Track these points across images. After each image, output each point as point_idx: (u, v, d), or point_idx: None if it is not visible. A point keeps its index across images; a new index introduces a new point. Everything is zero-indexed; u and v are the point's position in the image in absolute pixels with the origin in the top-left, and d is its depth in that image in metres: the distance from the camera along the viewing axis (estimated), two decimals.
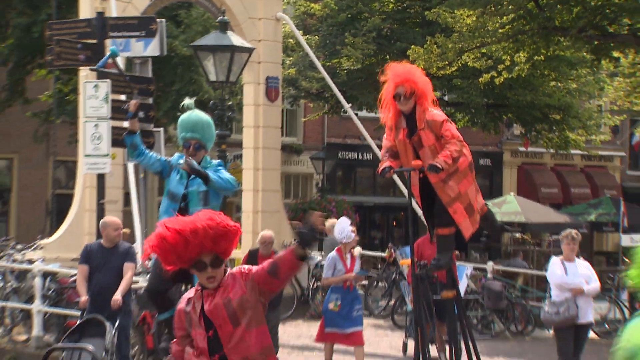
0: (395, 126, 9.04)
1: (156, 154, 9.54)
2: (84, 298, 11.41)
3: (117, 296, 11.15)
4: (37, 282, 16.12)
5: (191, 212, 8.92)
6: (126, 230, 16.15)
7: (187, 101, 9.82)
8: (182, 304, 5.97)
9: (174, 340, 5.97)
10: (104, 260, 11.38)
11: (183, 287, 9.34)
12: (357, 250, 13.18)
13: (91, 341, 10.85)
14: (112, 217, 12.10)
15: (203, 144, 9.19)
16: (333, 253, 13.12)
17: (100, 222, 12.00)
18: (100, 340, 10.86)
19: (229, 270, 5.89)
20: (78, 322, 11.40)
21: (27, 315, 16.46)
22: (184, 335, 5.93)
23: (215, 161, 9.50)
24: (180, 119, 9.37)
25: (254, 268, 5.82)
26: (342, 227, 13.03)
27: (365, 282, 21.96)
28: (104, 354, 10.83)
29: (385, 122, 9.16)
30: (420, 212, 10.13)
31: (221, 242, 5.73)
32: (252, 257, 12.91)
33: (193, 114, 9.30)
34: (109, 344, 10.88)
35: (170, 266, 5.77)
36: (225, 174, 9.27)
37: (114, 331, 11.07)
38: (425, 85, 8.93)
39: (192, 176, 9.06)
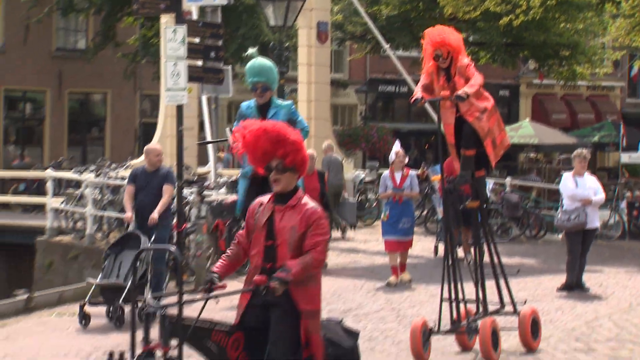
0: (436, 74, 9.08)
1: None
2: (128, 214, 11.31)
3: (154, 215, 11.04)
4: None
5: None
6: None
7: (251, 50, 9.60)
8: (256, 203, 5.83)
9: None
10: (146, 182, 11.23)
11: None
12: (410, 171, 13.08)
13: (131, 252, 10.67)
14: (155, 145, 11.81)
15: (268, 85, 9.02)
16: (386, 172, 13.14)
17: (144, 148, 11.79)
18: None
19: (305, 197, 5.73)
20: (120, 235, 11.30)
21: (120, 223, 16.63)
22: (250, 231, 5.76)
23: (286, 102, 9.18)
24: (247, 66, 9.15)
25: (317, 221, 5.60)
26: (392, 151, 13.04)
27: None
28: (138, 263, 10.49)
29: (427, 72, 9.19)
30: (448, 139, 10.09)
31: (280, 148, 5.61)
32: None
33: (257, 61, 9.10)
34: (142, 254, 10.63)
35: (257, 166, 5.80)
36: (303, 121, 9.10)
37: (149, 243, 10.83)
38: (458, 42, 8.90)
39: (271, 115, 8.86)
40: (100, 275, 10.98)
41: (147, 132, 25.87)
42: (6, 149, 29.52)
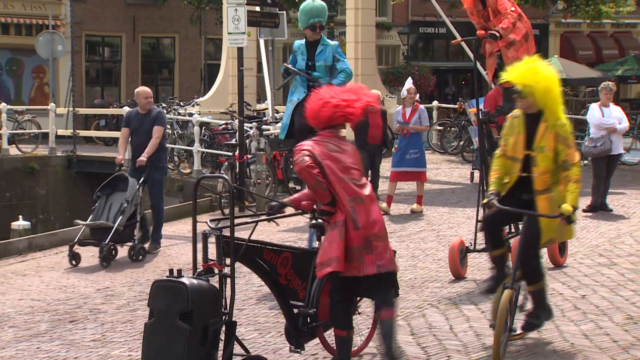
0: (474, 6, 8.95)
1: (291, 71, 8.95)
2: (119, 156, 10.52)
3: (142, 157, 10.21)
4: (196, 130, 16.30)
5: (320, 83, 8.72)
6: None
7: None
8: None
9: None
10: (139, 124, 10.38)
11: None
12: (420, 106, 12.78)
13: (121, 194, 10.13)
14: (144, 87, 10.79)
15: (323, 24, 8.93)
16: (398, 108, 12.81)
17: (135, 91, 10.94)
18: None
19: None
20: (110, 177, 10.51)
21: (189, 155, 16.72)
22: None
23: (334, 42, 8.98)
24: (305, 7, 8.95)
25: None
26: (404, 88, 12.68)
27: (440, 128, 21.68)
28: (124, 204, 10.00)
29: (468, 10, 9.04)
30: (485, 74, 9.93)
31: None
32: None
33: (315, 3, 8.93)
34: (130, 195, 10.05)
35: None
36: (346, 62, 8.95)
37: (137, 185, 10.15)
38: None
39: (318, 51, 8.78)
40: (90, 217, 10.27)
41: (212, 72, 25.81)
42: (88, 88, 29.75)
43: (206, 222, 5.40)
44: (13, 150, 20.24)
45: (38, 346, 6.70)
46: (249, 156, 13.96)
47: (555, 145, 5.91)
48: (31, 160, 20.44)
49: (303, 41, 8.91)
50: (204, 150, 16.23)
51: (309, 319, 5.61)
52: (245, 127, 14.07)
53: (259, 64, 19.82)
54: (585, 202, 12.17)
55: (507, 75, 6.04)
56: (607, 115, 11.85)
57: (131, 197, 10.08)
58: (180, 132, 17.42)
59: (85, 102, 28.22)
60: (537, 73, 5.94)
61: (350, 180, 5.49)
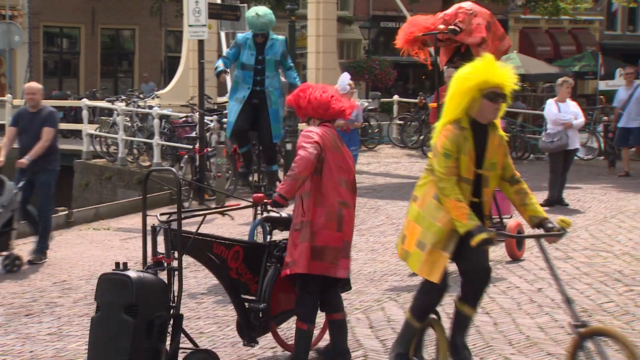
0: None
1: (225, 60, 8.94)
2: (1, 158, 9.52)
3: (22, 159, 9.35)
4: (156, 122, 16.17)
5: (267, 76, 8.69)
6: None
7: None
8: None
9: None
10: (29, 123, 9.49)
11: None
12: (356, 99, 12.91)
13: None
14: (32, 83, 10.04)
15: (267, 34, 8.87)
16: None
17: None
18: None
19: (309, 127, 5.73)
20: None
21: (149, 147, 16.60)
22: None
23: (281, 37, 9.05)
24: (248, 19, 8.88)
25: (300, 138, 5.56)
26: (342, 80, 12.26)
27: (401, 122, 21.77)
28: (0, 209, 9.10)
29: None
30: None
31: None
32: None
33: (259, 19, 8.82)
34: (5, 201, 9.11)
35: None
36: (290, 59, 8.96)
37: (15, 190, 9.23)
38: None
39: (267, 46, 8.76)
40: None
41: (172, 65, 25.64)
42: (46, 80, 29.36)
43: (156, 216, 5.35)
44: None
45: None
46: (209, 149, 13.90)
47: (504, 159, 5.14)
48: None
49: (249, 35, 8.84)
50: (163, 143, 16.12)
51: (261, 313, 5.62)
52: (205, 120, 13.99)
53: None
54: (543, 196, 12.32)
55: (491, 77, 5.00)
56: (563, 111, 11.99)
57: (7, 203, 9.14)
58: (140, 124, 17.28)
59: (44, 93, 27.86)
60: (508, 73, 5.06)
61: (342, 182, 5.51)
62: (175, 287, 5.26)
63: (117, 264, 5.19)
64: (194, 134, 14.34)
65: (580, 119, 12.12)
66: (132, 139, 16.98)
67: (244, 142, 9.16)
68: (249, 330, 5.63)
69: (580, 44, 38.86)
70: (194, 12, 13.36)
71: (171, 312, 5.23)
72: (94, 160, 17.75)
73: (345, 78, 12.39)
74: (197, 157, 13.51)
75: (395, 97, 23.17)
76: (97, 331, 5.07)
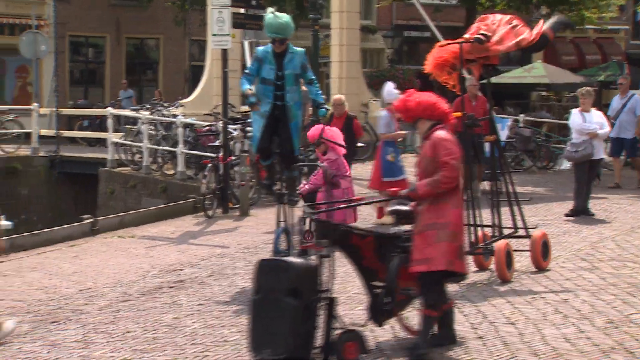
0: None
1: (248, 77, 8.73)
2: None
3: None
4: (180, 131, 16.27)
5: (288, 91, 8.63)
6: None
7: (270, 10, 9.20)
8: None
9: None
10: None
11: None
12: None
13: None
14: None
15: (286, 39, 8.79)
16: (385, 112, 11.66)
17: None
18: None
19: (438, 130, 6.16)
20: None
21: (173, 156, 16.69)
22: None
23: (300, 49, 8.82)
24: (265, 22, 8.84)
25: (439, 144, 6.01)
26: (389, 90, 11.67)
27: None
28: None
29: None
30: (469, 78, 10.00)
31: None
32: (330, 117, 12.28)
33: (275, 19, 8.76)
34: None
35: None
36: (315, 85, 8.88)
37: None
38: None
39: (287, 60, 8.63)
40: None
41: (196, 74, 25.76)
42: (72, 88, 29.61)
43: (303, 208, 5.85)
44: None
45: (19, 347, 6.66)
46: (233, 158, 13.95)
47: None
48: (13, 160, 20.32)
49: (269, 48, 8.70)
50: (187, 151, 16.20)
51: (386, 299, 6.01)
52: (229, 129, 14.05)
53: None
54: (568, 206, 12.24)
55: None
56: (588, 120, 11.90)
57: None
58: (164, 133, 17.37)
59: (69, 102, 28.09)
60: None
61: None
62: (326, 272, 5.68)
63: (276, 251, 6.00)
64: (217, 143, 14.39)
65: (605, 129, 12.03)
66: (157, 147, 17.08)
67: (267, 155, 9.14)
68: (377, 314, 6.05)
69: (605, 53, 38.64)
70: (218, 21, 13.44)
71: (324, 295, 5.66)
72: (119, 168, 17.87)
73: (391, 87, 11.77)
74: (221, 165, 13.57)
75: None
76: (258, 313, 5.51)
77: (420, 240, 5.95)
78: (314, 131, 10.84)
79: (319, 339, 5.65)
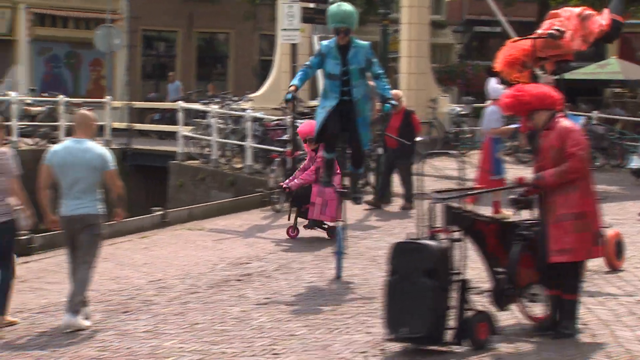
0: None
1: (307, 70, 8.65)
2: None
3: None
4: (248, 125, 16.38)
5: (354, 85, 8.47)
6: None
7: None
8: None
9: None
10: None
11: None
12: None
13: None
14: None
15: (350, 29, 8.60)
16: (495, 107, 11.10)
17: None
18: None
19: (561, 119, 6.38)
20: None
21: (241, 149, 16.81)
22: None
23: (365, 43, 8.60)
24: (330, 12, 8.67)
25: (567, 135, 6.18)
26: (493, 86, 11.28)
27: None
28: None
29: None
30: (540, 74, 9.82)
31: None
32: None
33: (340, 7, 8.62)
34: None
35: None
36: (378, 63, 8.72)
37: None
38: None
39: (351, 55, 8.43)
40: None
41: (265, 68, 25.92)
42: (144, 82, 30.11)
43: (432, 194, 5.98)
44: None
45: (92, 336, 6.80)
46: (301, 152, 13.98)
47: None
48: None
49: (332, 43, 8.48)
50: (256, 145, 16.30)
51: (508, 285, 6.19)
52: (297, 123, 14.08)
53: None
54: None
55: None
56: None
57: None
58: (233, 127, 17.52)
59: (141, 95, 28.56)
60: None
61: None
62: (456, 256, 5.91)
63: (412, 233, 6.01)
64: (285, 137, 14.45)
65: None
66: (225, 141, 17.23)
67: (332, 147, 8.89)
68: (499, 299, 6.25)
69: None
70: (287, 15, 13.49)
71: (457, 277, 5.90)
72: (188, 161, 18.08)
73: (495, 82, 11.20)
74: (289, 159, 13.62)
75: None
76: (394, 294, 5.82)
77: (556, 231, 6.07)
78: (305, 127, 10.94)
79: (451, 320, 5.89)
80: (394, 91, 13.05)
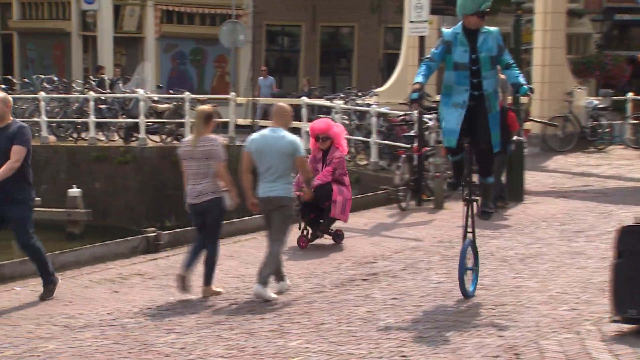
0: None
1: (430, 64, 7.95)
2: None
3: None
4: (373, 120, 16.42)
5: (484, 77, 7.77)
6: None
7: None
8: None
9: None
10: None
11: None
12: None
13: None
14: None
15: (487, 11, 7.74)
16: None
17: None
18: None
19: None
20: None
21: (366, 146, 16.87)
22: None
23: (494, 29, 7.86)
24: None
25: None
26: None
27: (635, 121, 20.77)
28: None
29: None
30: None
31: None
32: None
33: None
34: None
35: None
36: (514, 68, 7.90)
37: None
38: None
39: (480, 41, 7.71)
40: None
41: (390, 62, 25.92)
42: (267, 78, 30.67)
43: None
44: None
45: (219, 334, 6.99)
46: (428, 148, 13.91)
47: None
48: None
49: (458, 29, 7.81)
50: (381, 141, 16.33)
51: None
52: (424, 119, 14.02)
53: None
54: None
55: None
56: None
57: None
58: (357, 122, 17.61)
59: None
60: None
61: None
62: None
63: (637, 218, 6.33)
64: (412, 133, 14.41)
65: None
66: (350, 137, 17.32)
67: (457, 151, 8.02)
68: None
69: None
70: (416, 7, 13.44)
71: None
72: None
73: None
74: (416, 156, 13.58)
75: (630, 95, 22.07)
76: (621, 276, 6.22)
77: None
78: (319, 124, 10.85)
79: None
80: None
